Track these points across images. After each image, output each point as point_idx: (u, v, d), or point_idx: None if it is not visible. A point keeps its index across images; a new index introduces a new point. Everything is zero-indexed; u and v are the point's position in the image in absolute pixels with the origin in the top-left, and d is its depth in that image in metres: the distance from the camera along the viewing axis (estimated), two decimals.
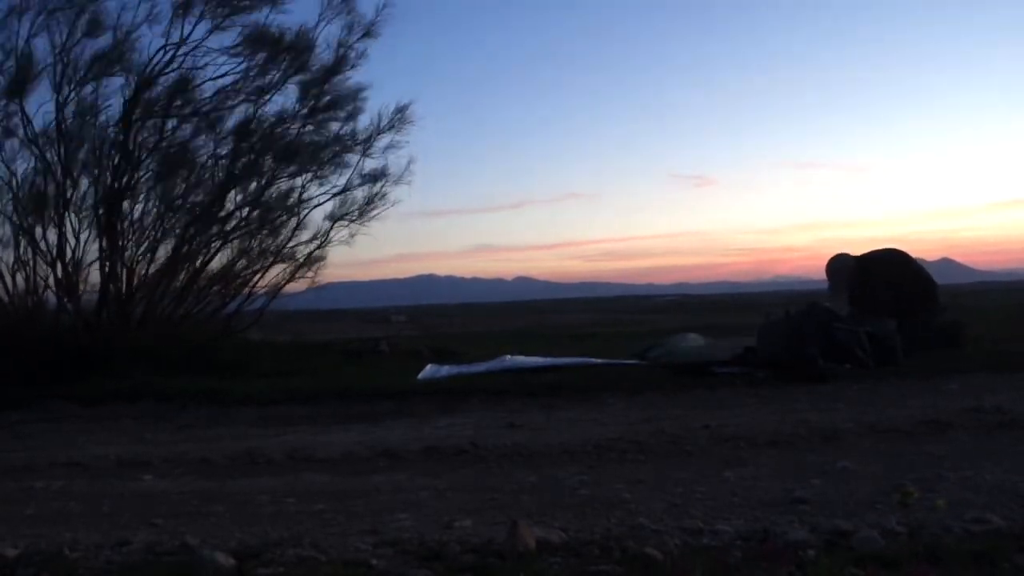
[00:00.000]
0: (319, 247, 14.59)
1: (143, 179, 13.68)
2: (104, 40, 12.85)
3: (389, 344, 15.36)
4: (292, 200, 14.53)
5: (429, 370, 11.59)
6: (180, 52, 13.14)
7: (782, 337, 10.94)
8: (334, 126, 14.43)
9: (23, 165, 13.06)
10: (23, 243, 12.92)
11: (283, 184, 14.54)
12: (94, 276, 13.34)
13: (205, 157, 14.02)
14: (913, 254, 13.38)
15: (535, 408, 8.74)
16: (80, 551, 3.97)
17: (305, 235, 14.62)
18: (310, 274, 14.72)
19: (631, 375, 10.59)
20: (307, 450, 6.79)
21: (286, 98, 14.08)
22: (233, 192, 14.17)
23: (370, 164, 14.57)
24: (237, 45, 13.43)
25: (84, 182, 13.21)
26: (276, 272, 14.61)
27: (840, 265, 13.10)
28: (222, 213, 14.10)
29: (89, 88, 12.99)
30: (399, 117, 14.38)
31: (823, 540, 3.72)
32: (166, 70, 13.22)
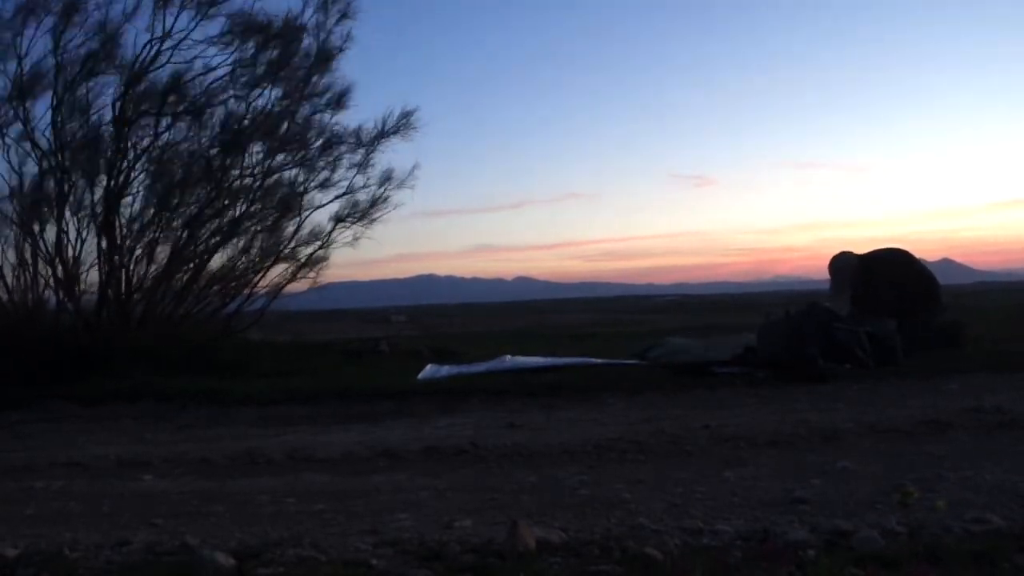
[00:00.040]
0: (321, 247, 14.59)
1: (140, 178, 13.67)
2: (94, 39, 12.83)
3: (389, 344, 15.35)
4: (293, 199, 14.51)
5: (429, 370, 11.59)
6: (166, 46, 13.10)
7: (782, 337, 10.93)
8: (325, 117, 14.38)
9: (24, 166, 13.08)
10: (24, 243, 12.94)
11: (282, 182, 14.54)
12: (94, 276, 13.36)
13: (199, 154, 13.99)
14: (914, 254, 13.36)
15: (535, 408, 8.74)
16: (80, 551, 3.97)
17: (306, 235, 14.62)
18: (311, 274, 14.73)
19: (631, 375, 10.59)
20: (307, 450, 6.79)
21: (277, 88, 14.04)
22: (231, 190, 14.14)
23: (373, 167, 14.58)
24: (224, 34, 13.35)
25: (82, 182, 13.20)
26: (277, 272, 14.61)
27: (843, 264, 13.07)
28: (221, 212, 14.06)
29: (82, 88, 12.98)
30: (404, 122, 14.40)
31: (823, 540, 3.72)
32: (154, 65, 13.18)
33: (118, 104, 13.09)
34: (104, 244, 13.16)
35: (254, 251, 14.54)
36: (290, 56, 13.85)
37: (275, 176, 14.38)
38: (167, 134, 13.70)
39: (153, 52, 13.06)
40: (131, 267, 13.51)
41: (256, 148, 14.13)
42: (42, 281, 13.10)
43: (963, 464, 5.36)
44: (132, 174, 13.44)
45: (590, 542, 3.80)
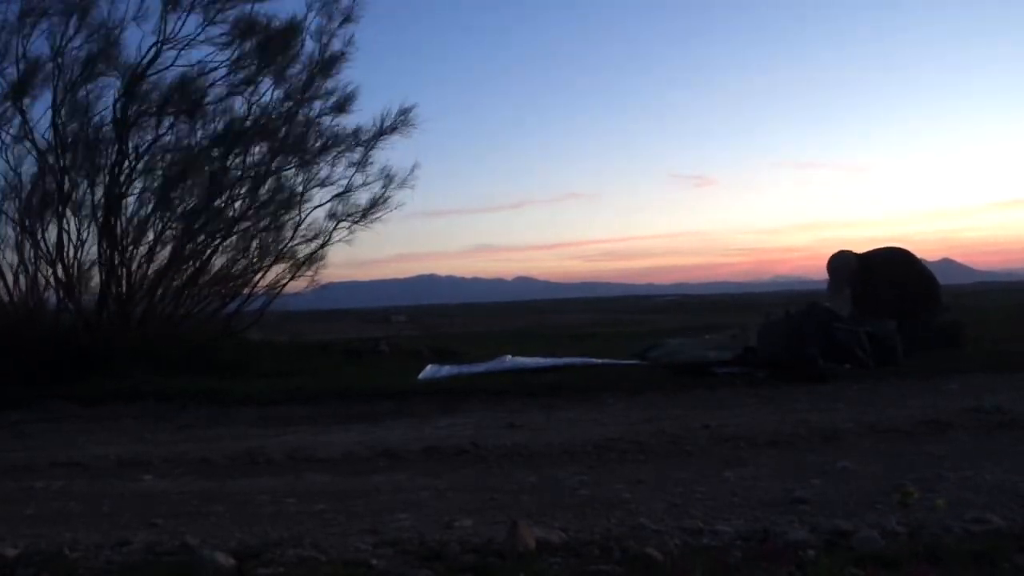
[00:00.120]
0: (320, 247, 14.59)
1: (141, 179, 13.68)
2: (95, 40, 12.83)
3: (389, 344, 15.35)
4: (293, 199, 14.51)
5: (429, 370, 11.59)
6: (170, 48, 13.10)
7: (782, 337, 10.93)
8: (327, 119, 14.39)
9: (25, 166, 13.09)
10: (25, 244, 12.95)
11: (283, 182, 14.54)
12: (94, 276, 13.36)
13: (201, 155, 14.00)
14: (914, 254, 13.34)
15: (535, 408, 8.74)
16: (80, 551, 3.97)
17: (306, 234, 14.61)
18: (310, 274, 14.72)
19: (631, 375, 10.59)
20: (307, 450, 6.79)
21: (276, 91, 14.05)
22: (231, 190, 14.15)
23: (373, 165, 14.57)
24: (225, 35, 13.34)
25: (83, 182, 13.21)
26: (276, 272, 14.61)
27: (841, 263, 13.05)
28: (221, 212, 14.07)
29: (83, 89, 12.97)
30: (402, 119, 14.37)
31: (823, 540, 3.72)
32: (156, 67, 13.19)
33: (119, 105, 13.09)
34: (104, 244, 13.16)
35: (253, 250, 14.56)
36: (291, 59, 13.86)
37: (275, 177, 14.38)
38: (168, 135, 13.71)
39: (155, 54, 13.07)
40: (131, 267, 13.51)
41: (257, 149, 14.14)
42: (42, 281, 13.11)
43: (963, 464, 5.36)
44: (133, 174, 13.44)
45: (590, 542, 3.81)
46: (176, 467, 6.44)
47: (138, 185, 13.63)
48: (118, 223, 13.32)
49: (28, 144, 12.90)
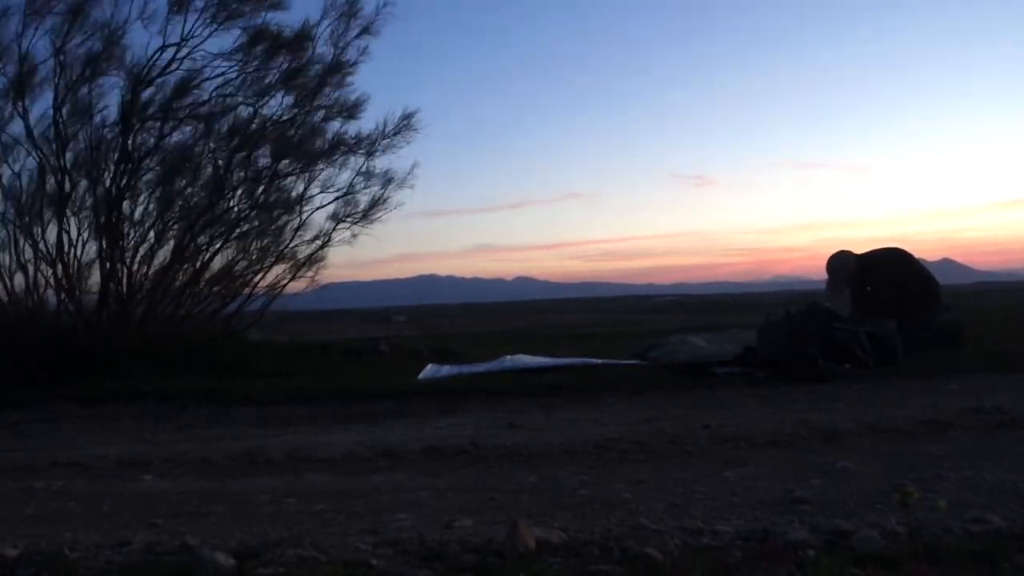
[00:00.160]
0: (321, 248, 14.60)
1: (143, 180, 13.67)
2: (97, 40, 12.84)
3: (389, 344, 15.36)
4: (294, 201, 14.53)
5: (429, 370, 11.59)
6: (179, 54, 13.14)
7: (782, 337, 10.94)
8: (334, 125, 14.43)
9: (24, 166, 13.09)
10: (24, 244, 12.95)
11: (284, 184, 14.56)
12: (94, 276, 13.37)
13: (204, 157, 14.03)
14: (914, 254, 13.35)
15: (535, 408, 8.74)
16: (80, 551, 3.97)
17: (306, 235, 14.63)
18: (310, 274, 14.73)
19: (631, 375, 10.59)
20: (307, 450, 6.79)
21: (285, 97, 14.07)
22: (233, 192, 14.17)
23: (374, 167, 14.58)
24: (236, 47, 13.43)
25: (84, 183, 13.21)
26: (276, 272, 14.62)
27: (841, 263, 13.05)
28: (222, 213, 14.08)
29: (85, 89, 12.98)
30: (405, 124, 14.39)
31: (823, 540, 3.72)
32: (165, 71, 13.21)
33: (123, 106, 13.09)
34: (105, 244, 13.16)
35: (254, 251, 14.57)
36: (301, 66, 13.86)
37: (277, 179, 14.40)
38: (173, 137, 13.74)
39: (165, 57, 13.11)
40: (132, 267, 13.52)
41: (260, 152, 14.16)
42: (43, 281, 13.11)
43: (963, 464, 5.36)
44: (135, 175, 13.45)
45: (590, 542, 3.80)
46: (176, 467, 6.44)
47: (139, 185, 13.66)
48: (119, 223, 13.33)
49: (28, 143, 12.92)
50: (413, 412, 8.84)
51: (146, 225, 13.71)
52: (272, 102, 14.01)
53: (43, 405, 9.80)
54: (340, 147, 14.42)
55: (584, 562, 3.54)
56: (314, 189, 14.56)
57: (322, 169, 14.48)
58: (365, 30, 14.02)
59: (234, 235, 14.28)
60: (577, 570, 3.45)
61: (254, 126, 13.96)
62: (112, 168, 13.21)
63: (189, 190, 14.03)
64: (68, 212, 13.03)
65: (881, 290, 12.32)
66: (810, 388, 9.29)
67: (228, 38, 13.44)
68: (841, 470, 5.37)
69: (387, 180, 14.54)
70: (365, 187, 14.58)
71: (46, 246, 12.97)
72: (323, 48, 13.97)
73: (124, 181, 13.30)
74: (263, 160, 14.22)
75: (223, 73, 13.55)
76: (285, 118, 14.12)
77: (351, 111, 14.33)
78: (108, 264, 13.17)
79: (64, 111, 12.87)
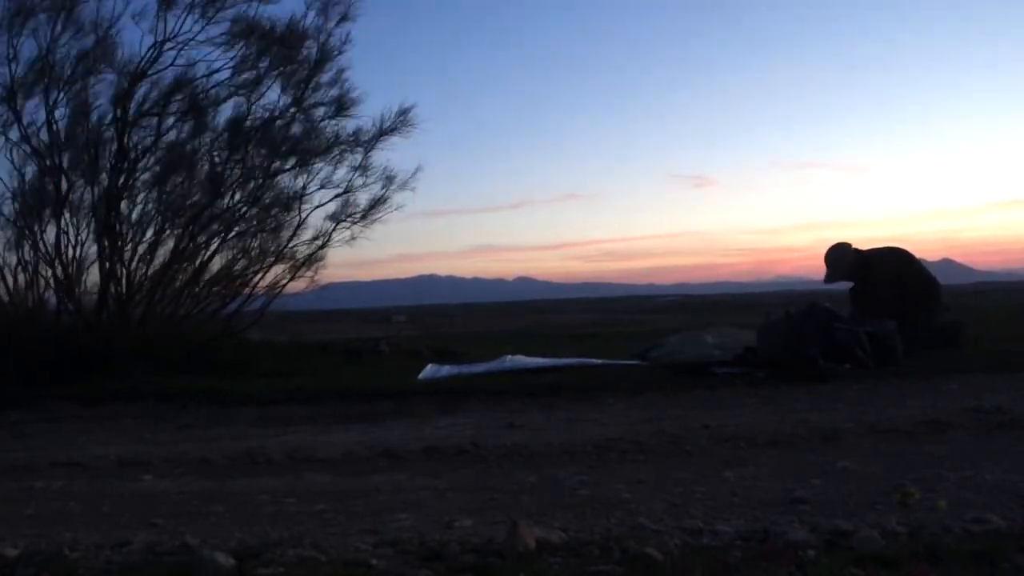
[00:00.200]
0: (320, 248, 14.60)
1: (140, 179, 13.68)
2: (88, 38, 12.83)
3: (389, 344, 15.35)
4: (293, 200, 14.52)
5: (429, 370, 11.59)
6: (169, 48, 13.10)
7: (782, 337, 10.93)
8: (329, 120, 14.40)
9: (24, 167, 13.09)
10: (24, 244, 12.95)
11: (283, 183, 14.56)
12: (94, 276, 13.37)
13: (201, 155, 14.02)
14: (915, 253, 13.34)
15: (535, 408, 8.74)
16: (80, 551, 3.97)
17: (306, 235, 14.64)
18: (310, 274, 14.74)
19: (631, 375, 10.58)
20: (307, 450, 6.79)
21: (278, 92, 14.06)
22: (232, 191, 14.18)
23: (373, 167, 14.58)
24: (225, 34, 13.35)
25: (81, 183, 13.21)
26: (276, 272, 14.63)
27: (839, 255, 13.01)
28: (221, 213, 14.09)
29: (77, 87, 12.97)
30: (402, 119, 14.36)
31: (823, 540, 3.72)
32: (156, 67, 13.20)
33: (118, 104, 13.09)
34: (104, 244, 13.17)
35: (253, 251, 14.57)
36: (292, 60, 13.84)
37: (275, 178, 14.39)
38: (169, 134, 13.73)
39: (156, 53, 13.07)
40: (131, 267, 13.52)
41: (258, 150, 14.14)
42: (42, 282, 13.12)
43: (963, 464, 5.35)
44: (133, 174, 13.45)
45: (590, 542, 3.81)
46: (176, 467, 6.43)
47: (138, 185, 13.66)
48: (117, 223, 13.33)
49: (24, 145, 12.92)
50: (413, 412, 8.83)
51: (144, 224, 13.73)
52: (267, 96, 14.00)
53: (43, 405, 9.79)
54: (337, 143, 14.41)
55: (584, 562, 3.54)
56: (313, 188, 14.56)
57: (320, 167, 14.49)
58: (344, 17, 13.98)
59: (233, 234, 14.29)
60: (577, 570, 3.45)
61: (248, 122, 13.95)
62: (109, 167, 13.21)
63: (187, 188, 14.02)
64: (66, 212, 13.03)
65: (881, 290, 12.30)
66: (810, 388, 9.28)
67: (219, 30, 13.39)
68: (841, 470, 5.36)
69: (387, 180, 14.55)
70: (364, 185, 14.58)
71: (45, 246, 12.98)
72: (311, 40, 13.97)
73: (121, 180, 13.29)
74: (259, 157, 14.20)
75: (217, 71, 13.55)
76: (280, 114, 14.10)
77: (345, 106, 14.28)
78: (107, 264, 13.17)
79: (57, 111, 12.89)
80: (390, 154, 14.65)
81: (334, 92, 14.19)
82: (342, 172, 14.53)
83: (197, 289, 14.11)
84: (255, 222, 14.47)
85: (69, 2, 12.61)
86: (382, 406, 9.22)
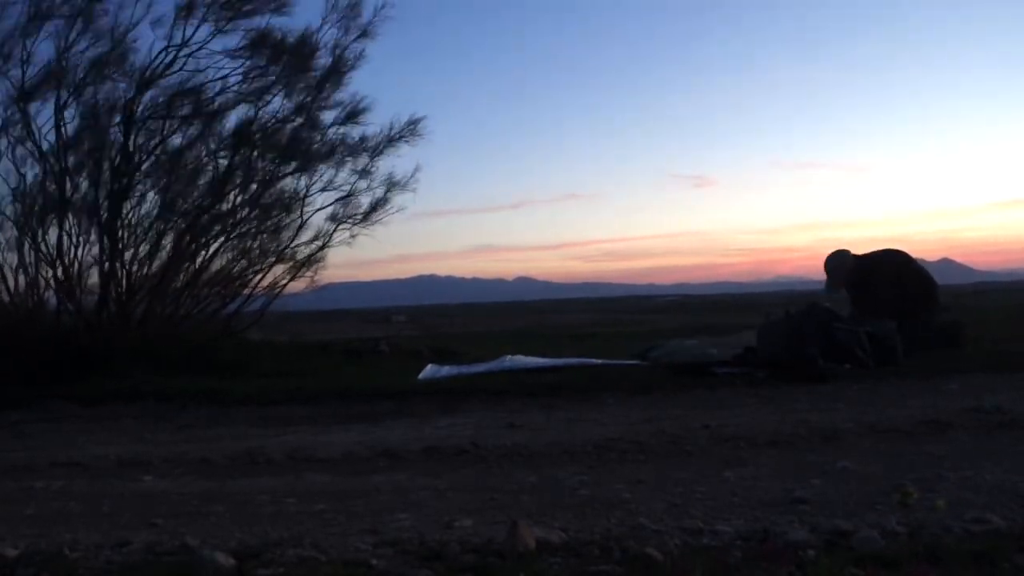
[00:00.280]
0: (321, 248, 14.61)
1: (144, 181, 13.70)
2: (103, 42, 12.85)
3: (389, 344, 15.35)
4: (295, 202, 14.55)
5: (429, 370, 11.59)
6: (181, 54, 13.15)
7: (782, 337, 10.94)
8: (335, 128, 14.45)
9: (26, 168, 13.10)
10: (25, 244, 12.95)
11: (285, 185, 14.58)
12: (94, 277, 13.38)
13: (205, 159, 14.06)
14: (913, 254, 13.36)
15: (535, 408, 8.74)
16: (80, 551, 3.97)
17: (306, 236, 14.65)
18: (310, 275, 14.75)
19: (631, 375, 10.59)
20: (307, 450, 6.79)
21: (287, 100, 14.10)
22: (233, 193, 14.19)
23: (376, 170, 14.60)
24: (240, 48, 13.46)
25: (85, 184, 13.23)
26: (276, 273, 14.63)
27: (839, 262, 13.06)
28: (222, 214, 14.10)
29: (89, 91, 13.00)
30: (411, 129, 14.40)
31: (823, 540, 3.72)
32: (167, 72, 13.23)
33: (125, 107, 13.11)
34: (105, 245, 13.18)
35: (254, 252, 14.58)
36: (302, 69, 13.88)
37: (278, 180, 14.42)
38: (175, 137, 13.76)
39: (168, 59, 13.11)
40: (132, 267, 13.53)
41: (263, 154, 14.17)
42: (43, 282, 13.12)
43: (963, 464, 5.36)
44: (136, 176, 13.47)
45: (590, 542, 3.81)
46: (176, 467, 6.44)
47: (140, 186, 13.68)
48: (119, 223, 13.34)
49: (31, 146, 12.92)
50: (413, 412, 8.84)
51: (146, 225, 13.74)
52: (273, 104, 14.04)
53: (43, 405, 9.79)
54: (343, 150, 14.45)
55: (584, 562, 3.54)
56: (315, 190, 14.59)
57: (323, 171, 14.52)
58: (363, 34, 14.05)
59: (234, 235, 14.30)
60: (577, 570, 3.45)
61: (256, 128, 13.98)
62: (112, 169, 13.22)
63: (190, 190, 14.04)
64: (69, 214, 13.04)
65: (881, 290, 12.31)
66: (810, 388, 9.29)
67: (231, 40, 13.48)
68: (841, 470, 5.37)
69: (389, 183, 14.57)
70: (367, 189, 14.61)
71: (47, 247, 12.98)
72: (324, 52, 14.02)
73: (125, 182, 13.31)
74: (263, 161, 14.24)
75: (225, 76, 13.59)
76: (288, 120, 14.14)
77: (353, 115, 14.35)
78: (108, 264, 13.18)
79: (67, 113, 12.91)
80: (393, 158, 14.67)
81: (342, 99, 14.31)
82: (344, 175, 14.61)
83: (197, 289, 14.13)
84: (256, 223, 14.49)
85: (88, 8, 12.66)
86: (382, 406, 9.23)
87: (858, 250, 13.43)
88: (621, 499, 4.80)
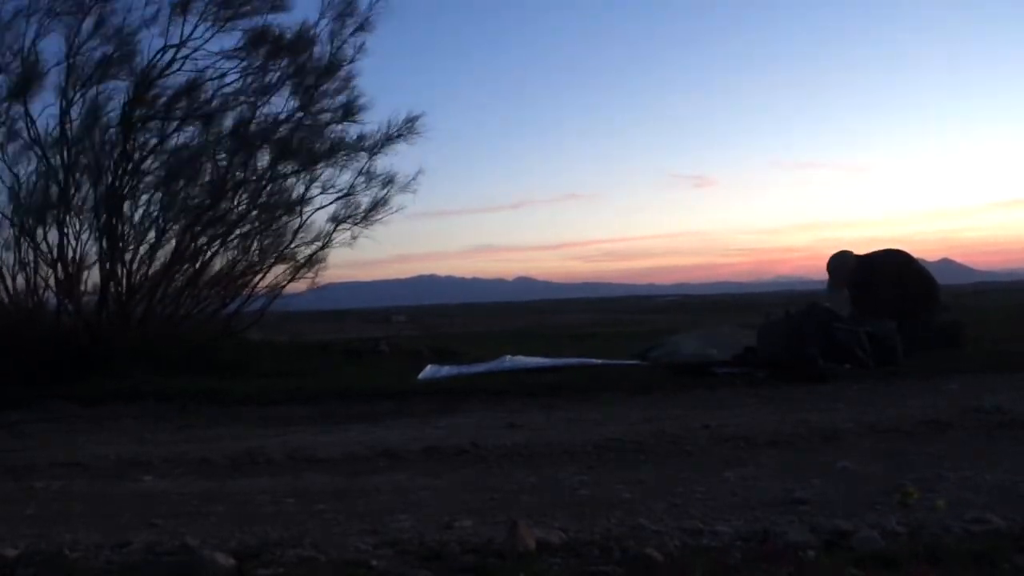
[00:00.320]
0: (321, 248, 14.61)
1: (144, 180, 13.69)
2: (111, 43, 12.86)
3: (389, 344, 15.36)
4: (295, 202, 14.54)
5: (429, 370, 11.60)
6: (180, 54, 13.15)
7: (782, 337, 10.94)
8: (336, 126, 14.43)
9: (27, 168, 13.10)
10: (25, 245, 12.95)
11: (284, 185, 14.57)
12: (94, 277, 13.37)
13: (205, 158, 14.04)
14: (913, 254, 13.37)
15: (535, 408, 8.74)
16: (80, 551, 3.97)
17: (307, 236, 14.64)
18: (310, 275, 14.74)
19: (631, 375, 10.59)
20: (307, 450, 6.79)
21: (285, 98, 14.09)
22: (234, 193, 14.18)
23: (376, 169, 14.59)
24: (239, 48, 13.46)
25: (85, 183, 13.22)
26: (277, 273, 14.63)
27: (841, 263, 13.08)
28: (223, 214, 14.10)
29: (94, 91, 13.01)
30: (409, 127, 14.38)
31: (823, 540, 3.72)
32: (166, 71, 13.23)
33: (126, 106, 13.11)
34: (105, 244, 13.17)
35: (254, 252, 14.58)
36: (301, 66, 13.87)
37: (278, 180, 14.41)
38: (174, 137, 13.75)
39: (167, 58, 13.11)
40: (132, 267, 13.53)
41: (262, 154, 14.18)
42: (42, 282, 13.11)
43: (963, 464, 5.36)
44: (136, 176, 13.46)
45: (590, 542, 3.80)
46: (176, 467, 6.43)
47: (140, 186, 13.67)
48: (119, 223, 13.34)
49: (30, 143, 12.92)
50: (413, 412, 8.84)
51: (146, 225, 13.74)
52: (273, 102, 14.03)
53: (43, 405, 9.79)
54: (341, 148, 14.43)
55: (584, 562, 3.54)
56: (315, 190, 14.57)
57: (323, 170, 14.51)
58: (360, 27, 14.01)
59: (234, 236, 14.30)
60: (577, 570, 3.45)
61: (255, 127, 13.98)
62: (113, 169, 13.22)
63: (190, 190, 14.04)
64: (70, 213, 13.03)
65: (881, 290, 12.33)
66: (810, 388, 9.29)
67: (230, 39, 13.48)
68: (841, 470, 5.37)
69: (388, 182, 14.56)
70: (366, 189, 14.59)
71: (48, 246, 12.98)
72: (322, 47, 14.00)
73: (125, 181, 13.31)
74: (264, 161, 14.25)
75: (224, 74, 13.58)
76: (286, 119, 14.13)
77: (353, 113, 14.32)
78: (108, 264, 13.18)
79: (72, 113, 12.91)
80: (392, 157, 14.66)
81: (341, 98, 14.29)
82: (346, 175, 14.60)
83: (197, 289, 14.12)
84: (257, 224, 14.49)
85: (104, 7, 12.70)
86: (382, 406, 9.23)
87: (859, 250, 13.47)
88: (621, 499, 4.80)
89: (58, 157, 12.92)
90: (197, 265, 14.05)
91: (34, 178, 13.06)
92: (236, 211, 14.24)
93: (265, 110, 14.00)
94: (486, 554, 3.64)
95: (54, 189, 12.95)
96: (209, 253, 14.13)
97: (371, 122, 14.60)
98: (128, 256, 13.49)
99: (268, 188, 14.32)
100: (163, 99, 13.37)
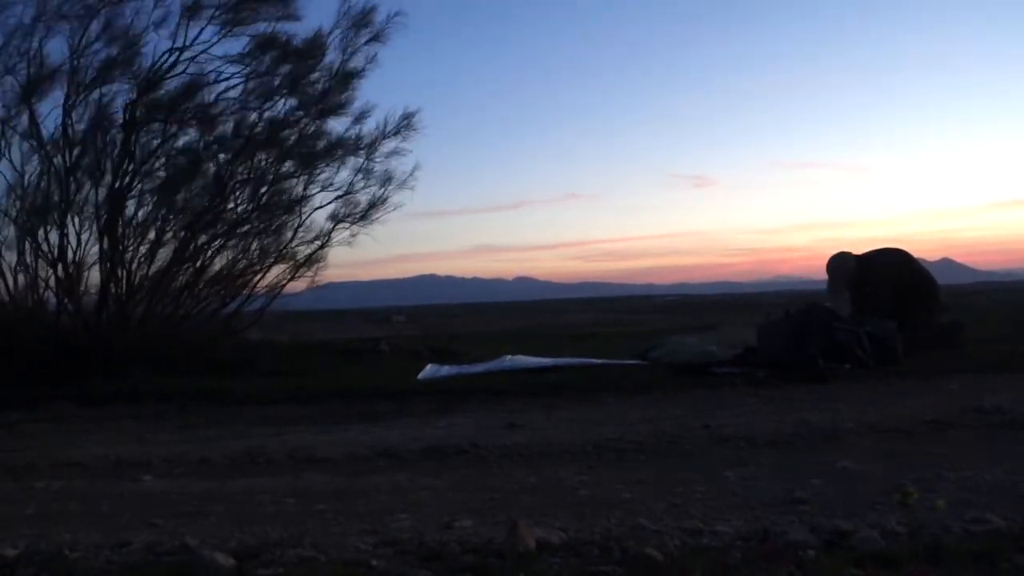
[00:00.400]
0: (320, 248, 14.62)
1: (145, 181, 13.70)
2: (116, 45, 12.88)
3: (389, 344, 15.37)
4: (294, 202, 14.55)
5: (429, 370, 11.60)
6: (184, 56, 13.16)
7: (782, 337, 10.95)
8: (336, 127, 14.45)
9: (29, 168, 13.09)
10: (26, 244, 12.95)
11: (285, 185, 14.58)
12: (95, 277, 13.37)
13: (206, 159, 14.05)
14: (913, 254, 13.38)
15: (535, 408, 8.74)
16: (80, 551, 3.97)
17: (306, 236, 14.64)
18: (310, 274, 14.75)
19: (631, 375, 10.60)
20: (307, 450, 6.79)
21: (289, 101, 14.10)
22: (234, 194, 14.19)
23: (374, 168, 14.59)
24: (245, 54, 13.47)
25: (87, 184, 13.23)
26: (276, 272, 14.64)
27: (840, 264, 13.11)
28: (223, 214, 14.10)
29: (97, 93, 13.03)
30: (405, 124, 14.40)
31: (823, 540, 3.72)
32: (170, 73, 13.24)
33: (129, 108, 13.11)
34: (106, 245, 13.17)
35: (254, 251, 14.58)
36: (307, 72, 13.89)
37: (278, 180, 14.41)
38: (176, 139, 13.77)
39: (172, 60, 13.12)
40: (132, 267, 13.53)
41: (263, 155, 14.17)
42: (43, 282, 13.11)
43: (963, 464, 5.35)
44: (137, 177, 13.47)
45: (590, 542, 3.80)
46: (176, 467, 6.44)
47: (142, 186, 13.68)
48: (120, 223, 13.34)
49: (34, 144, 12.93)
50: (413, 412, 8.84)
51: (147, 225, 13.74)
52: (277, 106, 14.05)
53: (43, 405, 9.79)
54: (340, 148, 14.45)
55: (584, 562, 3.54)
56: (314, 189, 14.60)
57: (322, 170, 14.52)
58: (374, 38, 14.05)
59: (234, 235, 14.30)
60: (577, 570, 3.45)
61: (257, 129, 13.98)
62: (114, 169, 13.22)
63: (190, 191, 14.04)
64: (71, 214, 13.04)
65: (881, 290, 12.34)
66: (810, 388, 9.29)
67: (237, 44, 13.52)
68: (841, 470, 5.37)
69: (387, 180, 14.57)
70: (365, 187, 14.61)
71: (49, 246, 12.98)
72: (333, 56, 14.02)
73: (127, 182, 13.31)
74: (265, 162, 14.25)
75: (228, 78, 13.60)
76: (289, 121, 14.13)
77: (357, 117, 14.37)
78: (108, 265, 13.18)
79: (76, 114, 12.91)
80: (392, 156, 14.68)
81: (343, 100, 14.30)
82: (344, 174, 14.62)
83: (197, 289, 14.12)
84: (257, 223, 14.49)
85: (110, 10, 12.69)
86: (382, 406, 9.23)
87: (859, 250, 13.49)
88: (621, 499, 4.80)
89: (60, 157, 12.93)
90: (197, 265, 14.06)
91: (35, 178, 13.08)
92: (236, 211, 14.25)
93: (268, 113, 14.05)
94: (486, 554, 3.64)
95: (56, 189, 12.96)
96: (209, 253, 14.15)
97: (369, 120, 14.63)
98: (128, 256, 13.50)
99: (268, 188, 14.33)
100: (167, 100, 13.39)
